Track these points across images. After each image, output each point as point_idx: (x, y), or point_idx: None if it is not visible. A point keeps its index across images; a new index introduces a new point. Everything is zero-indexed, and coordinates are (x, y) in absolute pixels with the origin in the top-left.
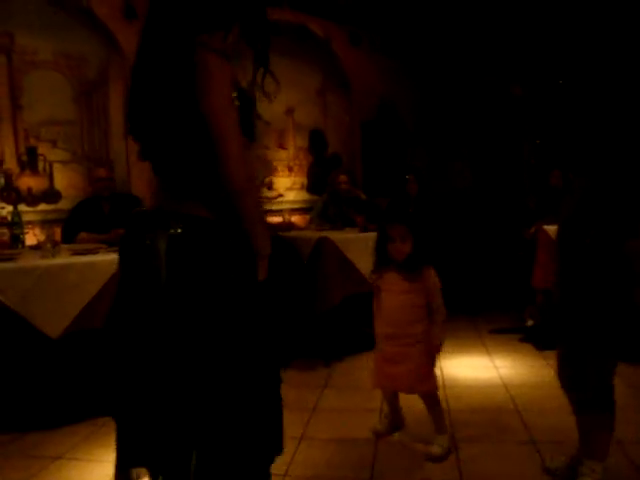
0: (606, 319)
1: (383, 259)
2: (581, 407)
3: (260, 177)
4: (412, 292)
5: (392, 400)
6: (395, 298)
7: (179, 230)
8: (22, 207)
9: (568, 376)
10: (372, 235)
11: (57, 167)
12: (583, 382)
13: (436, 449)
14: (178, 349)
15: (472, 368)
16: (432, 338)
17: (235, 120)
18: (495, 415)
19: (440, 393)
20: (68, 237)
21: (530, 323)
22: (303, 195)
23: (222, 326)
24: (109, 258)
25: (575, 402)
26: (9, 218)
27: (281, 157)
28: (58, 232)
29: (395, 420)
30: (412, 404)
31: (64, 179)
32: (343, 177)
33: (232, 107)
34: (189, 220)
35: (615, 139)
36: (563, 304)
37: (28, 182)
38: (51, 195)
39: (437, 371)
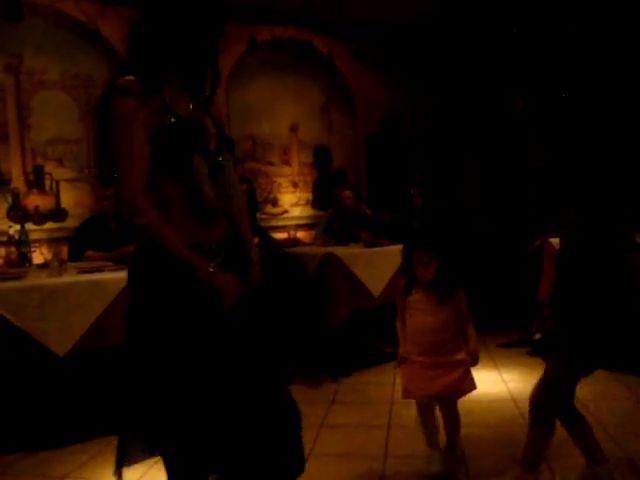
0: (606, 333)
1: (411, 279)
2: (535, 419)
3: (264, 194)
4: (441, 313)
5: (430, 421)
6: (423, 319)
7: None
8: (29, 226)
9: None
10: (377, 250)
11: (64, 185)
12: (547, 395)
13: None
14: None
15: (480, 382)
16: (468, 348)
17: (130, 156)
18: (504, 430)
19: None
20: (75, 255)
21: (538, 336)
22: (308, 211)
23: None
24: (116, 276)
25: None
26: (16, 237)
27: (286, 173)
28: (65, 250)
29: (440, 449)
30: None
31: (71, 197)
32: (347, 193)
33: (128, 144)
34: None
35: (602, 178)
36: (565, 321)
37: (35, 201)
38: (58, 213)
39: None
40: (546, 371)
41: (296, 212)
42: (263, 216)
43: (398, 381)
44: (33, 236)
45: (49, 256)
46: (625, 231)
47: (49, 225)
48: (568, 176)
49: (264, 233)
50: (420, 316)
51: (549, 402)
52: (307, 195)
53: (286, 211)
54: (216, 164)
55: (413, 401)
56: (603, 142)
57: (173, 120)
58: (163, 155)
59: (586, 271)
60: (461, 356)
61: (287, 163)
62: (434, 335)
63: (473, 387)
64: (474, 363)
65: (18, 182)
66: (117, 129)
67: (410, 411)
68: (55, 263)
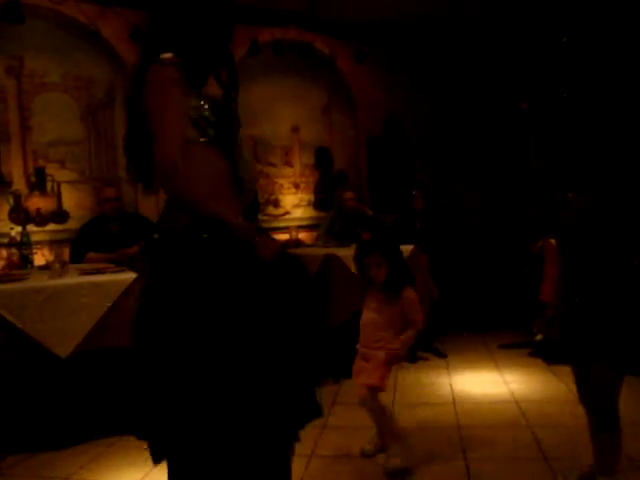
0: (629, 331)
1: (367, 280)
2: (598, 425)
3: (266, 195)
4: (385, 312)
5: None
6: (368, 315)
7: (155, 238)
8: (31, 227)
9: (588, 394)
10: None
11: (65, 187)
12: (601, 399)
13: (393, 461)
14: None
15: (482, 384)
16: (392, 342)
17: (170, 119)
18: (506, 431)
19: (450, 409)
20: (76, 257)
21: (539, 337)
22: (310, 212)
23: (205, 325)
24: (117, 277)
25: (594, 420)
26: (18, 238)
27: (287, 174)
28: (66, 252)
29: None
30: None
31: (72, 199)
32: (349, 194)
33: (167, 107)
34: (167, 230)
35: (614, 159)
36: (581, 321)
37: (37, 202)
38: (59, 215)
39: (446, 387)
40: (593, 376)
41: (297, 213)
42: (265, 217)
43: (399, 382)
44: (35, 238)
45: (51, 258)
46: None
47: (51, 227)
48: (580, 162)
49: (266, 234)
50: (368, 313)
51: (606, 404)
52: (309, 196)
53: (287, 212)
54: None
55: (415, 402)
56: (605, 141)
57: (212, 99)
58: (210, 128)
59: (608, 261)
60: (382, 354)
61: (288, 164)
62: (374, 330)
63: (381, 385)
64: (400, 351)
65: (20, 184)
66: (159, 92)
67: (412, 412)
68: (57, 265)
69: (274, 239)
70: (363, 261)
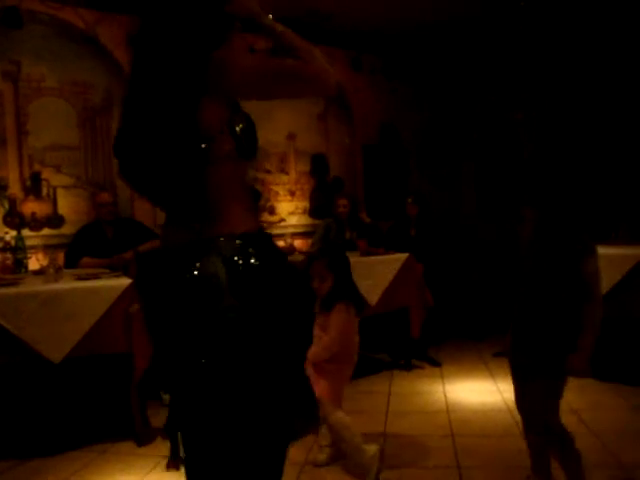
0: (559, 337)
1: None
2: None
3: (261, 202)
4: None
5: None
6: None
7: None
8: (26, 232)
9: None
10: (374, 259)
11: (61, 192)
12: (544, 414)
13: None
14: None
15: (476, 392)
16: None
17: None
18: (500, 440)
19: (444, 417)
20: (71, 262)
21: None
22: (305, 219)
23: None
24: (112, 283)
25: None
26: (12, 243)
27: (283, 182)
28: (61, 257)
29: (338, 449)
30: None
31: (68, 204)
32: (343, 201)
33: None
34: (249, 240)
35: (559, 174)
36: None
37: (32, 207)
38: (54, 220)
39: (440, 395)
40: (536, 392)
41: (293, 220)
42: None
43: (393, 390)
44: (29, 242)
45: (45, 263)
46: (584, 234)
47: (45, 231)
48: (530, 173)
49: None
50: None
51: (553, 420)
52: (304, 203)
53: (283, 219)
54: None
55: (408, 410)
56: (596, 149)
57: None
58: (246, 141)
59: (547, 274)
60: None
61: (284, 171)
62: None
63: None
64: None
65: (15, 188)
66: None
67: (405, 420)
68: (51, 270)
69: None
70: (309, 271)
